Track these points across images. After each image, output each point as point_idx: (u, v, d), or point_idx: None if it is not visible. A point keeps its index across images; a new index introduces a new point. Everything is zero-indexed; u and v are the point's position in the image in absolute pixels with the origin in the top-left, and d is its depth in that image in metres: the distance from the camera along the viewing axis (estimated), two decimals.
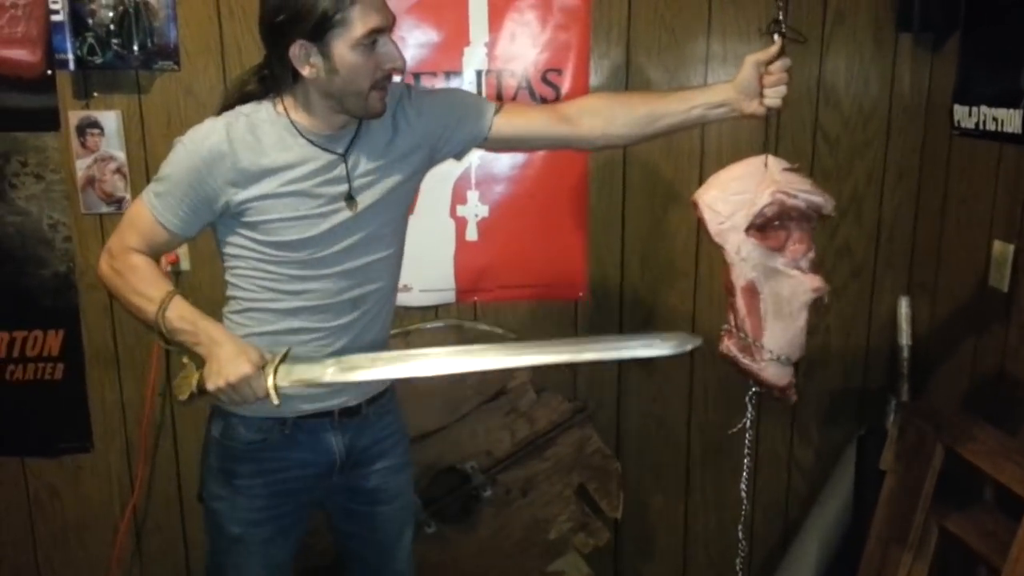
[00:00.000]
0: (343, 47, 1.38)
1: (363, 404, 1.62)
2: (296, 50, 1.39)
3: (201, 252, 2.22)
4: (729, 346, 1.56)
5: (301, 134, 1.46)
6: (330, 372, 1.47)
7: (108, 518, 2.41)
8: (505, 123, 1.61)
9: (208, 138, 1.43)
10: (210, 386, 1.40)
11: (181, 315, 1.44)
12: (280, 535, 1.61)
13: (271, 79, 1.48)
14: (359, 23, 1.37)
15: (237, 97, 1.50)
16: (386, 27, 1.42)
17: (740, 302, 1.53)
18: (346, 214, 1.49)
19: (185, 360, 1.47)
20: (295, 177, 1.46)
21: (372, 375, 1.49)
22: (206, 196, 1.45)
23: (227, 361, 1.39)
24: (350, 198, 1.49)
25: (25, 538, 2.42)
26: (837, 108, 2.37)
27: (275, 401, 1.41)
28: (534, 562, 2.36)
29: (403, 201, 1.60)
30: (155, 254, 1.51)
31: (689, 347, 1.49)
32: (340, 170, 1.49)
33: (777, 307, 1.51)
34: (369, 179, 1.51)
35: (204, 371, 1.42)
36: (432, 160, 1.62)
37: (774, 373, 1.53)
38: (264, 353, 1.44)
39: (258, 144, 1.45)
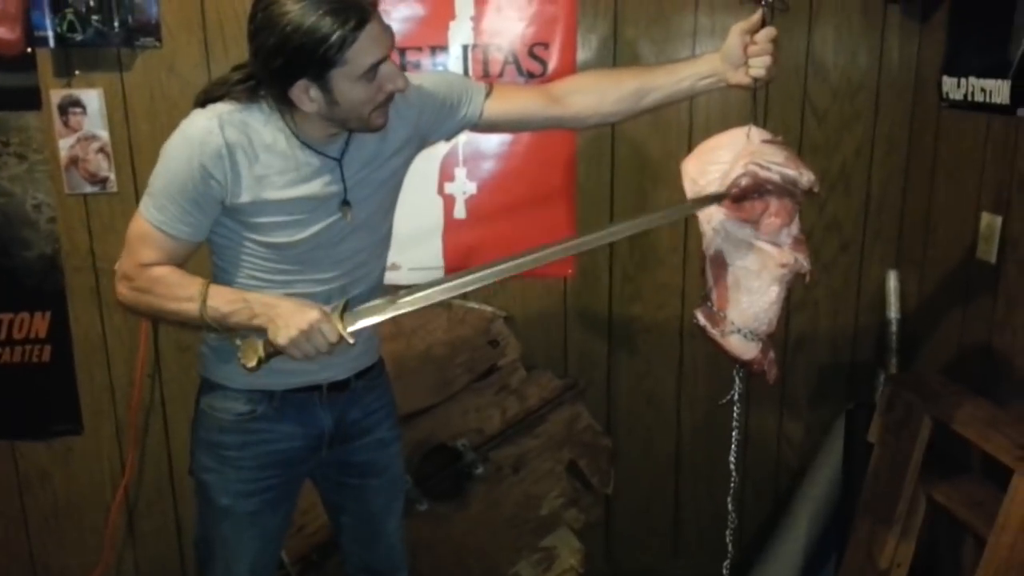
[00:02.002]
0: (345, 82, 1.34)
1: (352, 379, 1.62)
2: (297, 91, 1.35)
3: None
4: (698, 314, 1.56)
5: (296, 136, 1.43)
6: (389, 309, 1.43)
7: (100, 499, 2.41)
8: (495, 107, 1.60)
9: (206, 142, 1.38)
10: (282, 340, 1.35)
11: (227, 299, 1.41)
12: (269, 507, 1.61)
13: (265, 94, 1.42)
14: (361, 59, 1.32)
15: (221, 95, 1.44)
16: (387, 56, 1.37)
17: (709, 271, 1.54)
18: (337, 215, 1.48)
19: (238, 342, 1.43)
20: (287, 182, 1.43)
21: (430, 298, 1.44)
22: (210, 198, 1.41)
23: (292, 314, 1.36)
24: (345, 203, 1.48)
25: (17, 520, 2.42)
26: (825, 81, 2.36)
27: (351, 341, 1.39)
28: (526, 538, 2.37)
29: (394, 189, 1.60)
30: (175, 264, 1.47)
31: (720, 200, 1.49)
32: (335, 174, 1.47)
33: (745, 279, 1.50)
34: (362, 179, 1.50)
35: (269, 332, 1.38)
36: (422, 146, 1.62)
37: (736, 345, 1.53)
38: (321, 305, 1.41)
39: (251, 147, 1.41)
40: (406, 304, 1.44)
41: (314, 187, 1.45)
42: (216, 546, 1.62)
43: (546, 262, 1.48)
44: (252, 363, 1.40)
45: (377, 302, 1.45)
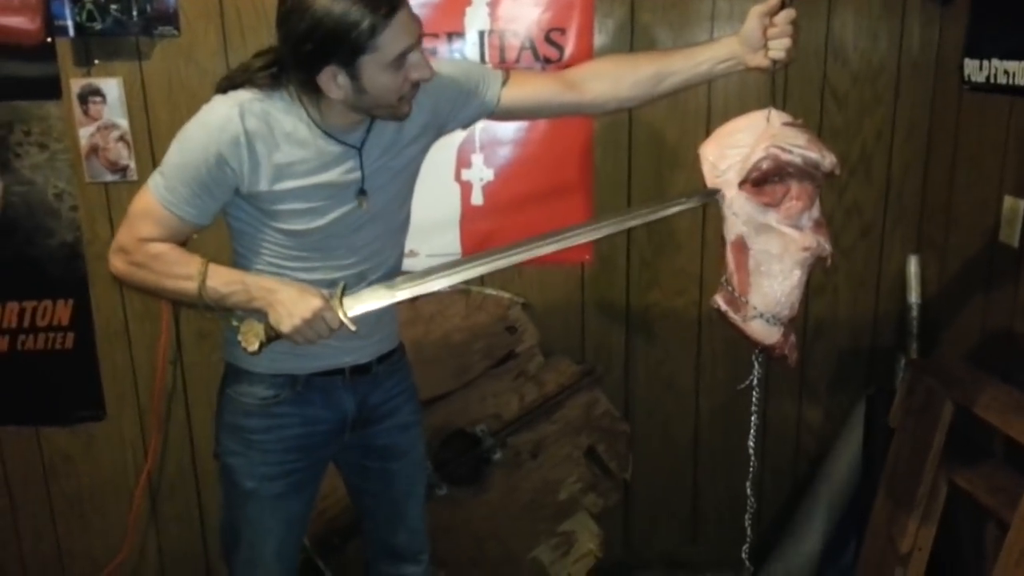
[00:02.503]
0: (374, 69, 1.34)
1: (373, 362, 1.64)
2: (325, 77, 1.35)
3: None
4: (718, 299, 1.56)
5: (316, 125, 1.44)
6: (388, 294, 1.46)
7: (123, 484, 2.45)
8: (512, 94, 1.61)
9: (224, 129, 1.39)
10: (285, 329, 1.38)
11: (225, 280, 1.43)
12: (293, 490, 1.63)
13: (287, 81, 1.43)
14: (391, 46, 1.33)
15: (243, 82, 1.45)
16: (416, 44, 1.38)
17: (730, 256, 1.52)
18: (354, 204, 1.49)
19: (235, 322, 1.45)
20: (307, 170, 1.44)
21: (429, 285, 1.47)
22: (223, 184, 1.42)
23: (293, 302, 1.39)
24: (362, 192, 1.49)
25: (42, 505, 2.45)
26: (846, 65, 2.34)
27: (352, 328, 1.41)
28: (545, 523, 2.39)
29: (411, 177, 1.61)
30: (174, 242, 1.47)
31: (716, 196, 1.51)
32: (353, 162, 1.48)
33: (767, 264, 1.50)
34: (380, 167, 1.51)
35: (271, 319, 1.40)
36: (439, 134, 1.62)
37: (758, 329, 1.53)
38: (320, 291, 1.43)
39: (271, 136, 1.41)
40: (405, 290, 1.47)
41: (333, 175, 1.46)
42: (242, 529, 1.64)
43: (551, 252, 1.49)
44: (254, 347, 1.43)
45: (376, 287, 1.48)
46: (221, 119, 1.40)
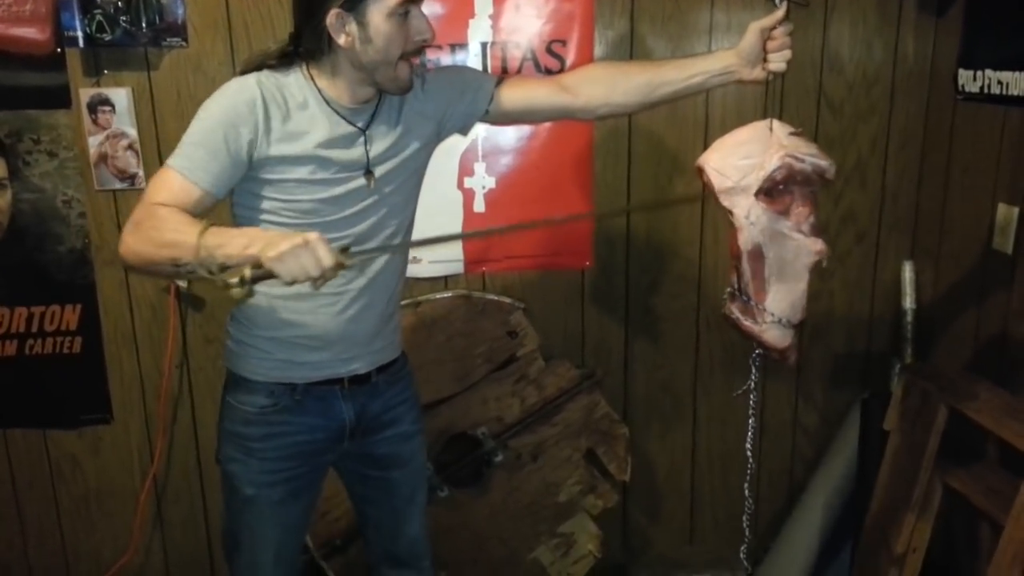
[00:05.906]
0: (378, 16, 1.41)
1: (372, 372, 1.65)
2: (332, 19, 1.41)
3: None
4: (732, 308, 1.58)
5: (326, 102, 1.50)
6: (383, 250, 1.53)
7: (129, 487, 2.47)
8: (506, 95, 1.64)
9: (241, 93, 1.45)
10: (271, 253, 1.24)
11: (225, 231, 1.32)
12: (292, 497, 1.65)
13: (300, 53, 1.50)
14: None
15: (257, 66, 1.51)
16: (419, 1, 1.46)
17: (745, 265, 1.55)
18: (362, 182, 1.53)
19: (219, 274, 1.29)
20: (316, 142, 1.48)
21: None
22: (238, 150, 1.44)
23: (287, 236, 1.26)
24: (368, 172, 1.53)
25: (48, 508, 2.48)
26: (841, 74, 2.37)
27: (347, 263, 1.31)
28: (545, 524, 2.42)
29: (414, 173, 1.63)
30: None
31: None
32: (359, 143, 1.53)
33: (781, 270, 1.53)
34: (384, 151, 1.55)
35: (261, 252, 1.26)
36: (439, 135, 1.66)
37: (775, 335, 1.56)
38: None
39: (284, 105, 1.47)
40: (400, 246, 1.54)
41: (340, 152, 1.51)
42: (241, 535, 1.66)
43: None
44: (234, 279, 1.26)
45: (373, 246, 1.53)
46: (237, 86, 1.46)
